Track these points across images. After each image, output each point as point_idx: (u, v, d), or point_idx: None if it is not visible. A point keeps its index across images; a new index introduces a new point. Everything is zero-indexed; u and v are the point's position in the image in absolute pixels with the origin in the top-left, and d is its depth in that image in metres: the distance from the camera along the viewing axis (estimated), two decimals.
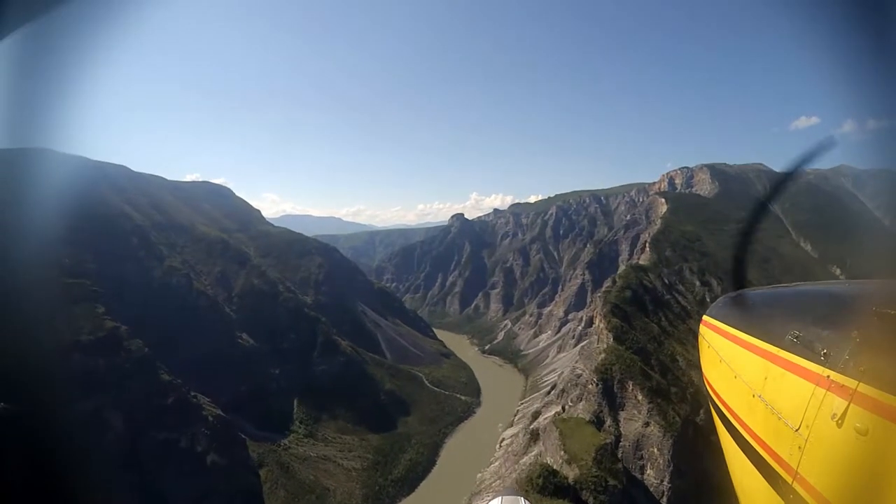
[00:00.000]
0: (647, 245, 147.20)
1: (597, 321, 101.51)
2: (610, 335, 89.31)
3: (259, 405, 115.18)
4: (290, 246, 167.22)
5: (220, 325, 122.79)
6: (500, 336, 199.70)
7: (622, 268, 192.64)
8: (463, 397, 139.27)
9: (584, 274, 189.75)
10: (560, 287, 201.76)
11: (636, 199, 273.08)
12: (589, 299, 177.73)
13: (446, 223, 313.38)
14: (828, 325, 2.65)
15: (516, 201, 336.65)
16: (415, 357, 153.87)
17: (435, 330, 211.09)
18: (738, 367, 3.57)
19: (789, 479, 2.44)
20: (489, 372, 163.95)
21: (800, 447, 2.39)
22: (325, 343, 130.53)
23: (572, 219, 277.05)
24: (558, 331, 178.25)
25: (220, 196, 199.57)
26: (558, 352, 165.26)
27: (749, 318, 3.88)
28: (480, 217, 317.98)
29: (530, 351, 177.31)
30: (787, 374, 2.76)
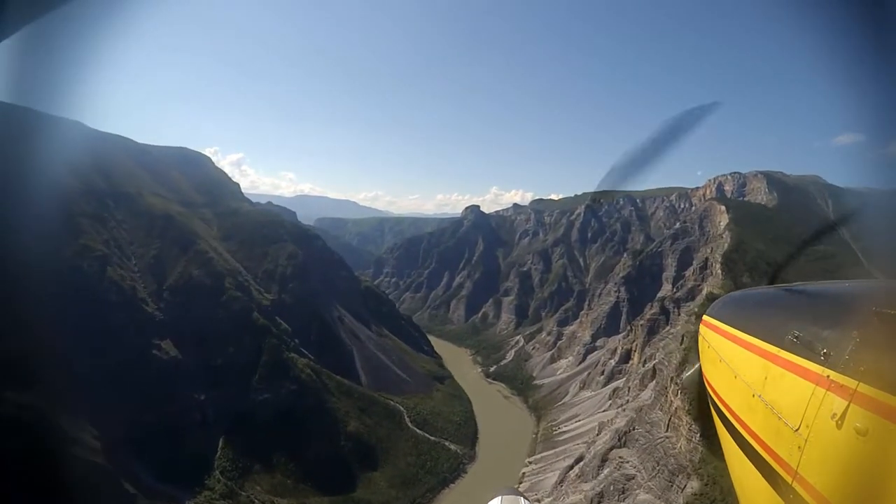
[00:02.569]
0: (719, 266, 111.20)
1: (675, 400, 65.32)
2: (696, 424, 53.02)
3: (168, 444, 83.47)
4: (258, 229, 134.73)
5: (133, 328, 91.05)
6: (510, 356, 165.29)
7: (662, 291, 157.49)
8: (453, 446, 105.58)
9: (618, 291, 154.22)
10: (587, 303, 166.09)
11: (677, 205, 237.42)
12: (625, 324, 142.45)
13: (460, 215, 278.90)
14: (828, 325, 2.64)
15: (538, 198, 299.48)
16: (398, 382, 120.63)
17: (433, 339, 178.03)
18: (738, 367, 3.53)
19: (789, 479, 2.46)
20: (492, 406, 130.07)
21: (800, 447, 2.40)
22: (274, 362, 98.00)
23: (602, 221, 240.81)
24: (582, 359, 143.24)
25: (194, 165, 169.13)
26: (581, 388, 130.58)
27: (749, 318, 3.82)
28: (498, 211, 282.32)
29: (545, 381, 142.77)
30: (787, 374, 2.76)
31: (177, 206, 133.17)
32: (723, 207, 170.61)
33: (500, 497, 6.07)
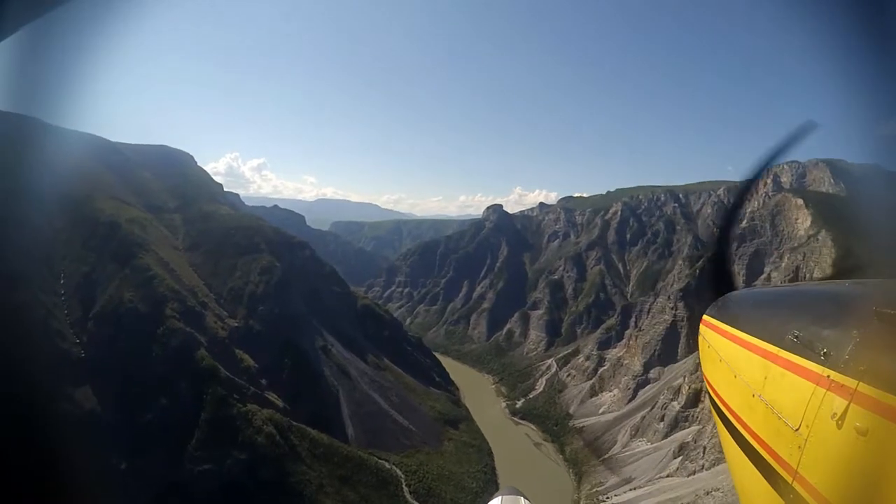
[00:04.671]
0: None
1: None
2: None
3: None
4: (227, 237, 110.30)
5: (37, 371, 65.88)
6: (540, 385, 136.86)
7: None
8: None
9: (674, 307, 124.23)
10: (633, 320, 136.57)
11: (726, 200, 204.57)
12: (685, 351, 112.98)
13: (481, 216, 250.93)
14: (828, 324, 2.66)
15: (566, 195, 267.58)
16: (398, 433, 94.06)
17: (450, 361, 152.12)
18: (738, 367, 3.53)
19: (789, 479, 2.46)
20: (519, 459, 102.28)
21: (800, 447, 2.40)
22: (220, 419, 72.58)
23: (642, 220, 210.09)
24: (632, 395, 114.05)
25: (173, 164, 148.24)
26: (634, 436, 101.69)
27: (749, 317, 3.81)
28: (523, 211, 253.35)
29: (585, 422, 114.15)
30: (787, 374, 2.77)
31: (136, 211, 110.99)
32: (799, 201, 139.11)
33: (500, 497, 5.91)
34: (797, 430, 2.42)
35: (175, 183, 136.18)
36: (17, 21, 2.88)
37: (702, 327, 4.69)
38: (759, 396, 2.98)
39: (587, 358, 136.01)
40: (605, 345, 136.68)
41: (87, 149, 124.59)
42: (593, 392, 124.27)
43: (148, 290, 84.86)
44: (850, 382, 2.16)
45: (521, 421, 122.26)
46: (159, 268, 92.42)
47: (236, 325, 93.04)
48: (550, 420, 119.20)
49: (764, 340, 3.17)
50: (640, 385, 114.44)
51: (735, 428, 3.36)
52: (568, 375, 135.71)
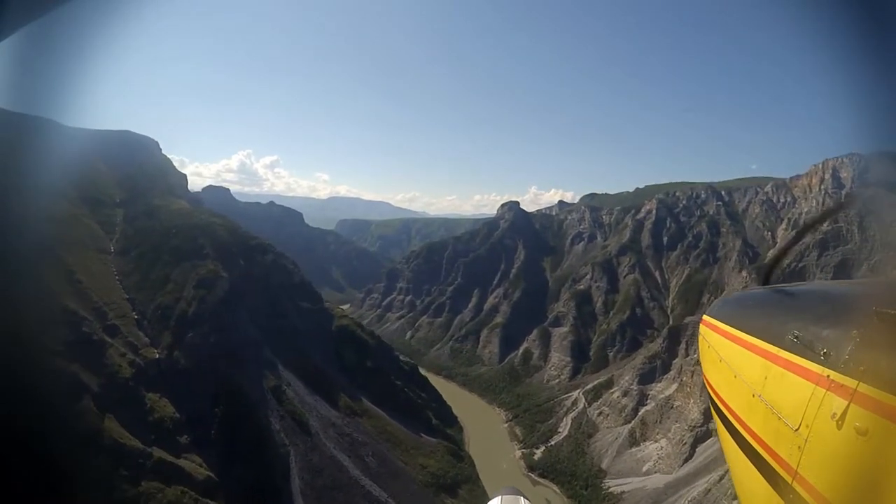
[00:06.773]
0: None
1: None
2: None
3: None
4: (165, 238, 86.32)
5: None
6: (564, 426, 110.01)
7: None
8: None
9: None
10: (682, 346, 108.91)
11: (775, 199, 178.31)
12: None
13: (494, 215, 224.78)
14: (828, 325, 2.67)
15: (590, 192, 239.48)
16: None
17: (456, 388, 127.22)
18: (738, 367, 3.57)
19: (789, 479, 2.47)
20: None
21: (799, 447, 2.41)
22: None
23: (681, 221, 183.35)
24: (689, 453, 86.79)
25: (132, 152, 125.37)
26: None
27: (749, 317, 3.84)
28: (541, 210, 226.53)
29: (626, 485, 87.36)
30: (787, 374, 2.80)
31: (63, 205, 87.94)
32: None
33: (499, 497, 5.93)
34: (797, 430, 2.42)
35: (128, 172, 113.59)
36: (14, 22, 2.84)
37: (702, 327, 4.62)
38: (760, 397, 2.96)
39: (624, 393, 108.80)
40: (647, 378, 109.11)
41: (27, 135, 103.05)
42: (633, 440, 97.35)
43: (33, 309, 60.67)
44: (850, 382, 2.15)
45: (540, 479, 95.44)
46: (57, 280, 68.80)
47: (157, 356, 68.85)
48: (578, 479, 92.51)
49: (764, 340, 3.14)
50: (700, 439, 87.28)
51: (735, 428, 3.34)
52: (599, 414, 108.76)
